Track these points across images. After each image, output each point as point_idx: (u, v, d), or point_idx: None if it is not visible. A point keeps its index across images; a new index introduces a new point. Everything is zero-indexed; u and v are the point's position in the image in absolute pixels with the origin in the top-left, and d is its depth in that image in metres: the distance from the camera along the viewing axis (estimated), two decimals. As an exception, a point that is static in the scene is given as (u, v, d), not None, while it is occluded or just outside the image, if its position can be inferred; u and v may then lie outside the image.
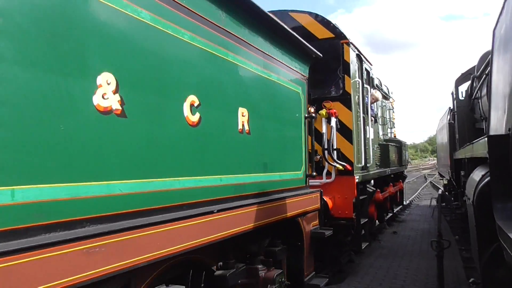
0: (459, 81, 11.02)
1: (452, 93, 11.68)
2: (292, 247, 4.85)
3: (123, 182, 2.36)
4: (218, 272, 3.52)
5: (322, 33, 7.04)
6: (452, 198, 13.70)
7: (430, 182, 30.72)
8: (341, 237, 7.00)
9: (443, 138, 15.16)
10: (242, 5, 3.72)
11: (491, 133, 3.75)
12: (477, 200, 3.96)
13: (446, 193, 15.47)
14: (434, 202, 15.64)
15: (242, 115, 3.72)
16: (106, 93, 2.25)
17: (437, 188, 23.77)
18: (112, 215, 2.27)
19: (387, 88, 12.36)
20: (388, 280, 6.67)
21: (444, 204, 13.20)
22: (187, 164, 2.94)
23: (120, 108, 2.34)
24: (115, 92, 2.31)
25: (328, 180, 6.58)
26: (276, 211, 4.15)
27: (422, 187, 27.16)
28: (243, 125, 3.72)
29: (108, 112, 2.27)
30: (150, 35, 2.62)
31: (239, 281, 3.75)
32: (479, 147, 4.69)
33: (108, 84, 2.27)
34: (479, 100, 7.80)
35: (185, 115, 2.93)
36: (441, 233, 6.13)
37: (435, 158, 54.42)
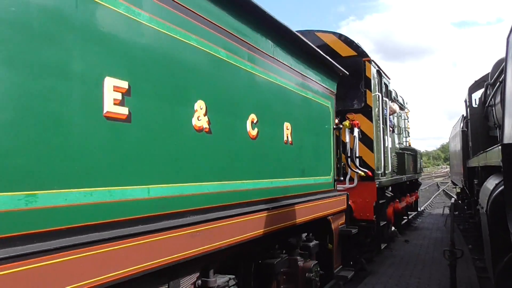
0: (473, 89, 11.01)
1: (466, 101, 11.62)
2: (322, 243, 5.51)
3: (210, 183, 3.06)
4: (267, 261, 4.20)
5: (345, 51, 7.74)
6: (465, 207, 13.46)
7: (443, 190, 30.57)
8: (362, 238, 7.63)
9: (456, 145, 15.10)
10: (288, 38, 4.43)
11: (505, 141, 3.74)
12: (490, 209, 3.92)
13: (459, 201, 15.20)
14: (447, 211, 15.39)
15: (287, 129, 4.42)
16: (200, 116, 2.96)
17: (450, 197, 23.39)
18: (203, 208, 2.97)
19: (402, 99, 12.97)
20: (400, 290, 6.65)
21: (457, 212, 12.81)
22: (249, 170, 3.64)
23: (208, 127, 3.05)
24: (205, 114, 3.02)
25: (351, 185, 7.20)
26: (313, 210, 4.82)
27: (435, 195, 27.08)
28: (287, 137, 4.41)
29: (201, 130, 2.98)
30: (226, 69, 3.34)
31: (282, 269, 4.43)
32: (493, 155, 4.65)
33: (201, 109, 2.98)
34: (493, 108, 7.77)
35: (248, 130, 3.63)
36: (454, 242, 6.06)
37: (448, 166, 53.63)
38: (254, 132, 3.72)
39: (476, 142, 9.68)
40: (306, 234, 5.18)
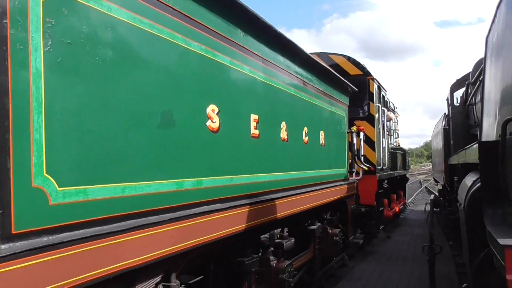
0: (454, 87, 11.06)
1: (448, 99, 11.61)
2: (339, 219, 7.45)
3: (287, 173, 4.93)
4: (310, 227, 6.10)
5: (353, 70, 9.68)
6: (446, 204, 13.42)
7: (426, 187, 30.72)
8: (365, 220, 9.59)
9: (438, 143, 15.23)
10: (324, 72, 6.33)
11: (483, 139, 3.80)
12: (468, 206, 3.99)
13: (441, 198, 15.27)
14: (428, 208, 14.63)
15: (321, 135, 6.31)
16: (283, 131, 4.81)
17: (432, 193, 22.43)
18: (285, 188, 4.83)
19: (393, 104, 14.97)
20: (381, 285, 6.85)
21: (439, 209, 13.08)
22: (304, 164, 5.52)
23: (287, 138, 4.91)
24: (285, 130, 4.87)
25: (357, 178, 9.12)
26: (337, 193, 6.76)
27: (417, 192, 27.19)
28: (322, 141, 6.31)
29: (284, 140, 4.83)
30: (294, 99, 5.21)
31: (317, 234, 6.34)
32: (471, 152, 4.65)
33: (283, 127, 4.84)
34: (474, 106, 7.86)
35: (303, 138, 5.51)
36: (433, 238, 6.15)
37: (430, 163, 54.00)
38: (306, 139, 5.60)
39: (457, 140, 9.63)
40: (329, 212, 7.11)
